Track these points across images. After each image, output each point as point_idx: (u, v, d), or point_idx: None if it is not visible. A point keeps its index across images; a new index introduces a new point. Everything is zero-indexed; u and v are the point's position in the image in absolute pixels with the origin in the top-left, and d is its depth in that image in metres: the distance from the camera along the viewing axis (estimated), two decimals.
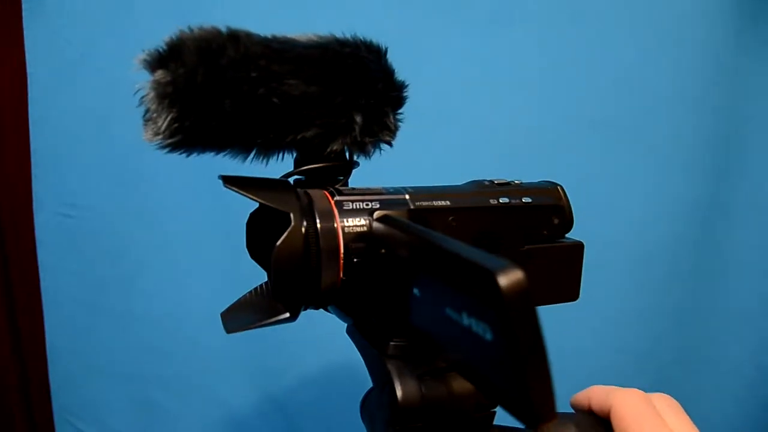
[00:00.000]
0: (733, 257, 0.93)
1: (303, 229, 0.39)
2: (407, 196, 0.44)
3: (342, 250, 0.40)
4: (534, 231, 0.49)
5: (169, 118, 0.38)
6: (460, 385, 0.43)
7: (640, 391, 0.41)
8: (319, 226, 0.40)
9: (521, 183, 0.50)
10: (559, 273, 0.51)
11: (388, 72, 0.45)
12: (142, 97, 0.39)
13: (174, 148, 0.41)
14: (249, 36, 0.41)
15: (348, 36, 0.44)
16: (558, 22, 0.88)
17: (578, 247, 0.51)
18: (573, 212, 0.51)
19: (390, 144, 0.48)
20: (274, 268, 0.38)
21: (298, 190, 0.43)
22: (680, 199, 0.91)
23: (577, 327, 0.91)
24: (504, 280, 0.24)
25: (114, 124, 0.94)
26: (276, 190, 0.41)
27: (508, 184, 0.50)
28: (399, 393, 0.42)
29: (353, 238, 0.41)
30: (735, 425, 0.96)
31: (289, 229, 0.39)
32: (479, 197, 0.47)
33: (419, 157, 0.77)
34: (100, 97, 0.94)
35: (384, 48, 0.46)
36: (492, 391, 0.28)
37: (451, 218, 0.44)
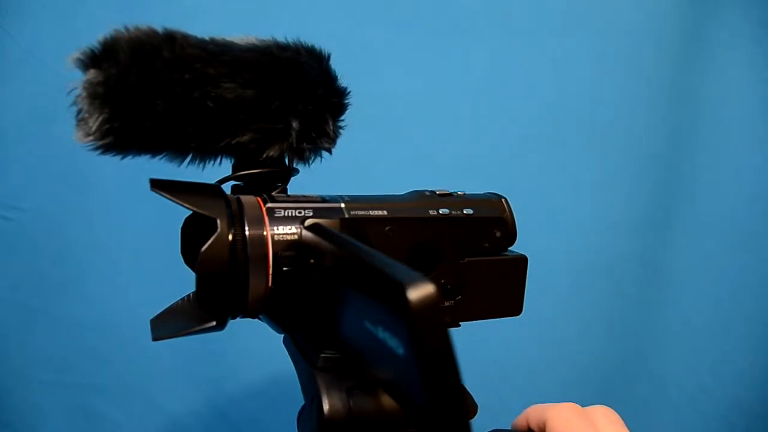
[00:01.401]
0: (676, 273, 0.96)
1: (230, 236, 0.38)
2: (343, 205, 0.44)
3: (271, 259, 0.39)
4: (475, 243, 0.49)
5: (100, 119, 0.37)
6: (391, 400, 0.43)
7: (575, 405, 0.42)
8: (247, 233, 0.39)
9: (464, 194, 0.51)
10: (501, 287, 0.51)
11: (330, 78, 0.45)
12: (75, 97, 0.38)
13: (106, 149, 0.40)
14: (186, 37, 0.40)
15: (289, 41, 0.44)
16: (508, 36, 0.90)
17: (521, 261, 0.51)
18: (516, 226, 0.51)
19: (329, 151, 0.47)
20: (198, 274, 0.38)
21: (231, 196, 0.42)
22: (625, 214, 0.93)
23: (521, 339, 0.93)
24: (413, 293, 0.23)
25: (57, 123, 0.90)
26: (205, 196, 0.40)
27: (450, 195, 0.50)
28: (325, 406, 0.41)
29: (283, 246, 0.40)
30: None
31: (215, 235, 0.38)
32: (418, 207, 0.47)
33: (364, 165, 0.77)
34: (43, 95, 0.90)
35: (327, 54, 0.45)
36: (408, 407, 0.27)
37: (387, 228, 0.44)
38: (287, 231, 0.41)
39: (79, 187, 0.93)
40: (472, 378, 1.01)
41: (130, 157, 0.42)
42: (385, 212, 0.45)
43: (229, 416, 0.96)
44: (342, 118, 0.47)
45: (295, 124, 0.42)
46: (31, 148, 0.92)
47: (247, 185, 0.46)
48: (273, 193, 0.44)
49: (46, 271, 0.95)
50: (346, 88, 0.46)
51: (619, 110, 0.91)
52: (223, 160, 0.45)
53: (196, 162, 0.43)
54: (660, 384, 0.96)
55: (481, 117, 0.91)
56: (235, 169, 0.46)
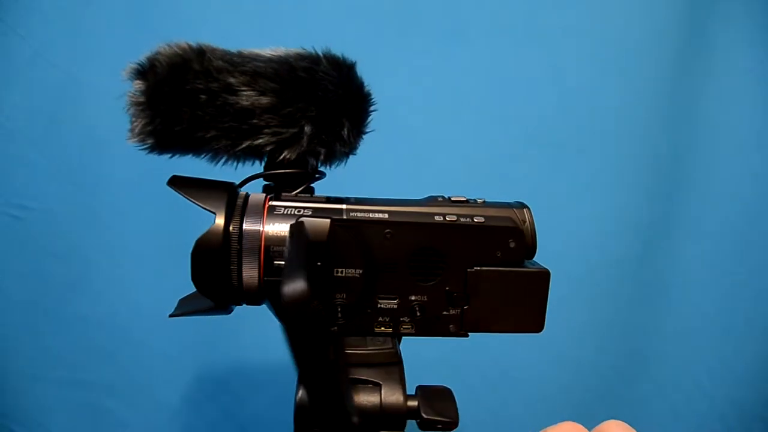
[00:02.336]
0: (673, 275, 0.97)
1: (230, 228, 0.43)
2: (345, 206, 0.46)
3: (263, 252, 0.43)
4: (485, 252, 0.47)
5: (141, 123, 0.44)
6: (364, 399, 0.46)
7: (575, 424, 0.39)
8: (244, 227, 0.44)
9: (483, 202, 0.50)
10: (517, 300, 0.48)
11: (348, 85, 0.47)
12: (127, 105, 0.45)
13: (150, 150, 0.47)
14: (214, 51, 0.45)
15: (313, 50, 0.46)
16: (508, 41, 0.91)
17: (541, 275, 0.49)
18: (536, 237, 0.49)
19: (345, 155, 0.49)
20: (192, 260, 0.42)
21: (243, 193, 0.46)
22: (623, 217, 0.94)
23: (520, 340, 0.94)
24: (287, 289, 0.26)
25: (65, 123, 0.92)
26: (212, 192, 0.45)
27: (465, 201, 0.49)
28: (298, 395, 0.46)
29: (276, 241, 0.43)
30: None
31: (210, 227, 0.43)
32: (424, 213, 0.47)
33: (383, 171, 0.78)
34: (52, 96, 0.92)
35: (349, 62, 0.47)
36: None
37: (387, 231, 0.46)
38: (281, 228, 0.44)
39: (87, 188, 0.94)
40: (472, 378, 1.02)
41: (171, 156, 0.49)
42: (386, 215, 0.46)
43: (235, 414, 0.98)
44: (365, 123, 0.49)
45: (307, 129, 0.45)
46: (40, 149, 0.93)
47: (276, 184, 0.49)
48: (284, 193, 0.48)
49: (53, 270, 0.97)
50: (366, 95, 0.48)
51: (617, 114, 0.92)
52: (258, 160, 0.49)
53: (228, 162, 0.47)
54: (658, 385, 0.98)
55: (480, 120, 0.92)
56: (265, 169, 0.50)
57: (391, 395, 0.47)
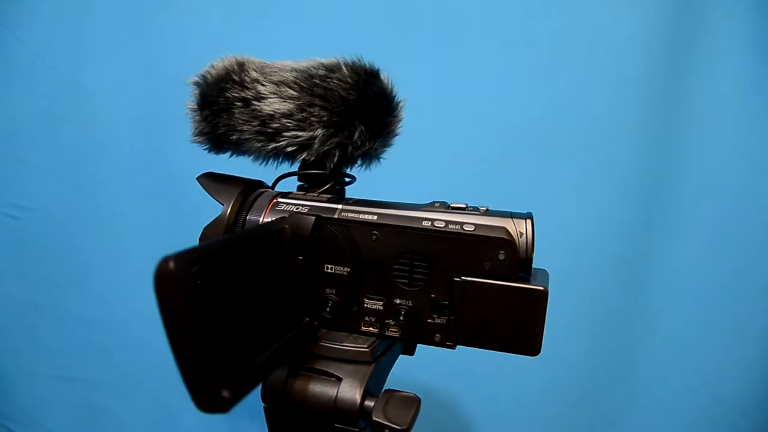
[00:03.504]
0: (661, 274, 0.98)
1: (235, 218, 0.49)
2: (341, 206, 0.49)
3: None
4: (471, 262, 0.45)
5: (195, 127, 0.52)
6: (320, 390, 0.47)
7: None
8: (248, 218, 0.49)
9: (486, 209, 0.48)
10: (508, 317, 0.45)
11: (362, 91, 0.49)
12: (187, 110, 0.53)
13: (209, 150, 0.53)
14: (252, 62, 0.51)
15: (337, 59, 0.50)
16: (498, 44, 0.92)
17: (536, 294, 0.44)
18: (532, 251, 0.45)
19: (363, 158, 0.52)
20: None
21: (261, 189, 0.52)
22: (612, 216, 0.95)
23: None
24: (159, 265, 0.31)
25: (65, 126, 0.94)
26: (229, 187, 0.51)
27: (463, 208, 0.48)
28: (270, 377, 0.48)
29: None
30: None
31: (217, 216, 0.49)
32: (413, 217, 0.47)
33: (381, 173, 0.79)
34: (52, 98, 0.93)
35: (369, 69, 0.50)
36: None
37: (373, 232, 0.47)
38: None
39: (86, 189, 0.96)
40: (461, 374, 1.03)
41: (225, 155, 0.54)
42: (375, 217, 0.48)
43: (231, 411, 0.99)
44: (383, 127, 0.51)
45: (318, 132, 0.48)
46: (40, 150, 0.95)
47: (308, 184, 0.53)
48: (295, 191, 0.53)
49: (52, 269, 0.98)
50: (384, 101, 0.50)
51: (606, 115, 0.93)
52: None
53: (267, 162, 0.53)
54: (646, 382, 0.98)
55: (469, 122, 0.93)
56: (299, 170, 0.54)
57: (347, 392, 0.46)
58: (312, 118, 0.48)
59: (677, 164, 0.96)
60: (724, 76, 0.94)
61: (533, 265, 0.46)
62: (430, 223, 0.46)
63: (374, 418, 0.44)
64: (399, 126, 0.53)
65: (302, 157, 0.50)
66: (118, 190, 0.95)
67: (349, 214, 0.48)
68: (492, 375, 0.97)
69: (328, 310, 0.50)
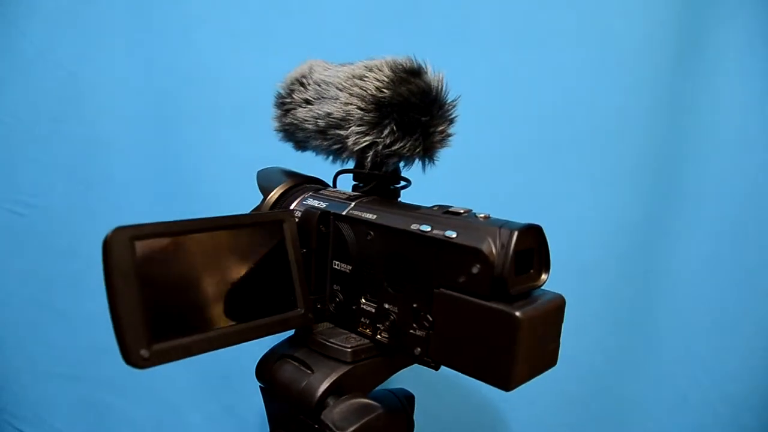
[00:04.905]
0: (668, 272, 0.97)
1: (272, 206, 0.55)
2: (353, 204, 0.50)
3: None
4: (450, 273, 0.41)
5: (276, 124, 0.59)
6: (293, 377, 0.48)
7: None
8: (278, 209, 0.54)
9: (486, 217, 0.43)
10: (479, 340, 0.39)
11: (397, 90, 0.49)
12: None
13: (293, 147, 0.60)
14: (318, 65, 0.55)
15: (387, 58, 0.50)
16: (506, 43, 0.92)
17: (508, 318, 0.37)
18: (510, 269, 0.38)
19: (392, 157, 0.51)
20: None
21: (310, 185, 0.57)
22: (620, 215, 0.95)
23: None
24: (110, 232, 0.38)
25: (68, 121, 0.93)
26: (280, 179, 0.57)
27: (460, 213, 0.44)
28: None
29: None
30: None
31: (257, 205, 0.56)
32: (407, 219, 0.45)
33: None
34: (55, 94, 0.92)
35: (409, 68, 0.50)
36: None
37: (369, 232, 0.47)
38: (298, 214, 0.52)
39: (89, 185, 0.95)
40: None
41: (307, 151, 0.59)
42: (374, 216, 0.47)
43: (236, 410, 0.98)
44: (415, 126, 0.50)
45: (353, 131, 0.49)
46: (43, 146, 0.94)
47: (363, 184, 0.56)
48: (329, 188, 0.57)
49: (56, 266, 0.97)
50: (419, 99, 0.49)
51: (612, 113, 0.92)
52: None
53: (331, 159, 0.56)
54: (653, 380, 0.98)
55: (477, 120, 0.92)
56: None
57: (312, 384, 0.46)
58: (349, 117, 0.49)
59: (686, 162, 0.96)
60: (734, 73, 0.94)
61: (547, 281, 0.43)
62: (417, 226, 0.43)
63: (321, 417, 0.43)
64: (446, 126, 0.52)
65: (344, 156, 0.53)
66: (123, 187, 0.95)
67: (355, 212, 0.48)
68: None
69: (333, 305, 0.50)
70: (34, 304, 0.98)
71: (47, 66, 0.92)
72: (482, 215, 0.43)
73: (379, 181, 0.54)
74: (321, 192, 0.54)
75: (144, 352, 0.38)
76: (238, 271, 0.43)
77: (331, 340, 0.49)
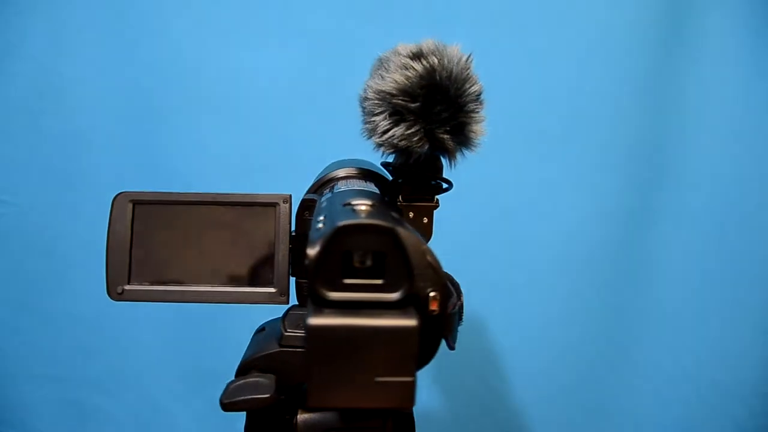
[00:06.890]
0: (656, 260, 0.98)
1: (303, 198, 0.52)
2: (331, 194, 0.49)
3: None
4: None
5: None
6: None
7: None
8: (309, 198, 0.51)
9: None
10: None
11: (418, 81, 0.45)
12: None
13: None
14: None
15: (419, 47, 0.46)
16: (490, 32, 0.91)
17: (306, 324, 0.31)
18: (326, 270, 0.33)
19: (404, 151, 0.47)
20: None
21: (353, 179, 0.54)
22: (606, 204, 0.95)
23: (506, 326, 0.95)
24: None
25: (45, 118, 0.91)
26: (332, 168, 0.56)
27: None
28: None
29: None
30: (658, 423, 1.00)
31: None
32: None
33: None
34: (31, 89, 0.91)
35: (411, 51, 0.46)
36: None
37: (306, 212, 0.48)
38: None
39: (68, 183, 0.93)
40: (455, 360, 1.02)
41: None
42: (325, 204, 0.48)
43: (227, 412, 0.97)
44: (436, 118, 0.46)
45: (382, 125, 0.45)
46: (20, 144, 0.92)
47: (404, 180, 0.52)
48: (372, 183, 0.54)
49: (34, 266, 0.95)
50: (434, 90, 0.45)
51: (598, 102, 0.92)
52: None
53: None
54: (642, 369, 0.99)
55: None
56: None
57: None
58: (379, 107, 0.46)
59: (671, 150, 0.96)
60: (718, 62, 0.94)
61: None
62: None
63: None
64: (454, 113, 0.47)
65: (382, 150, 0.48)
66: (101, 184, 0.93)
67: (322, 198, 0.48)
68: (485, 362, 0.97)
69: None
70: (14, 304, 0.96)
71: (21, 60, 0.91)
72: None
73: (405, 178, 0.50)
74: (340, 184, 0.51)
75: (119, 288, 0.46)
76: (224, 242, 0.47)
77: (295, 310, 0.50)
